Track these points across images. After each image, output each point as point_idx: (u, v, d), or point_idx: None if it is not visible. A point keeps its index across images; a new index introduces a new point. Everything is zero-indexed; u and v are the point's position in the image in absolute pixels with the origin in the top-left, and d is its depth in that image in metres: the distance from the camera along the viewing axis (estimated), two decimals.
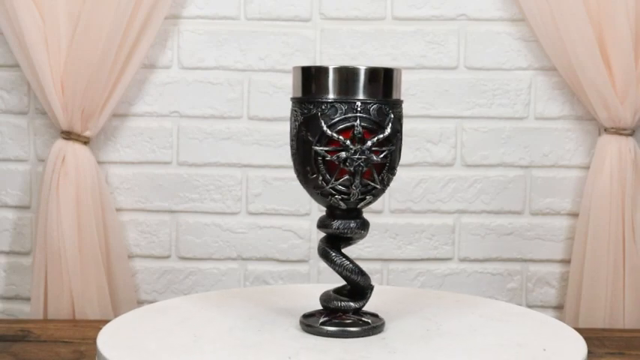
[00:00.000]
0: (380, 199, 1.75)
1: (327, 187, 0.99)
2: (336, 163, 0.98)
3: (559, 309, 1.79)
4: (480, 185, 1.77)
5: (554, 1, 1.65)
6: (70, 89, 1.66)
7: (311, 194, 1.03)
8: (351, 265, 1.03)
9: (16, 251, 1.78)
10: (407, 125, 1.75)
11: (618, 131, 1.70)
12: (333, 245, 1.04)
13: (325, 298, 1.04)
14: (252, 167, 1.76)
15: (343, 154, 0.97)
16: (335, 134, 0.98)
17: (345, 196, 1.00)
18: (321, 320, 1.03)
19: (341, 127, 0.98)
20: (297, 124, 1.00)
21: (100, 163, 1.74)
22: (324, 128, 0.98)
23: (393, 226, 1.78)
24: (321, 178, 0.99)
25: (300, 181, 1.03)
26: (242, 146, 1.76)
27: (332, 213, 1.03)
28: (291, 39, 1.75)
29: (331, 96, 0.99)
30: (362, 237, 1.05)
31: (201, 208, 1.77)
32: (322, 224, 1.03)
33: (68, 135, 1.68)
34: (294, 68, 1.02)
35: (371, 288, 1.04)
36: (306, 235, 1.77)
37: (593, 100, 1.68)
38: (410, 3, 1.74)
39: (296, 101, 1.01)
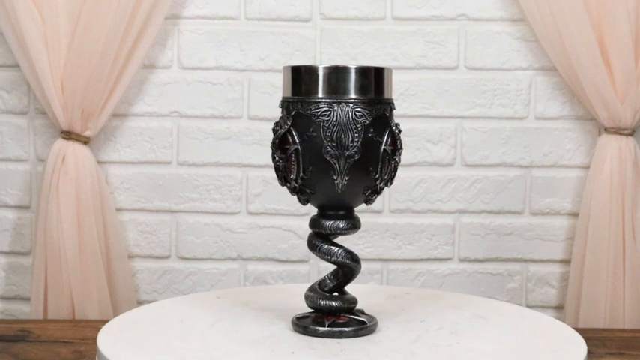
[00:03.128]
0: (380, 199, 1.76)
1: (379, 185, 1.01)
2: (389, 159, 1.01)
3: (559, 309, 1.79)
4: (480, 185, 1.77)
5: (554, 1, 1.65)
6: (70, 89, 1.66)
7: (343, 196, 1.01)
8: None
9: (16, 251, 1.78)
10: (407, 125, 1.76)
11: (618, 131, 1.69)
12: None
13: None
14: (252, 167, 1.77)
15: (400, 151, 1.02)
16: (398, 132, 1.02)
17: (378, 193, 1.03)
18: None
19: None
20: (364, 125, 0.99)
21: (100, 163, 1.74)
22: (393, 128, 1.01)
23: (393, 226, 1.78)
24: (380, 177, 1.01)
25: (342, 186, 1.00)
26: (242, 146, 1.76)
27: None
28: (291, 39, 1.75)
29: (387, 96, 1.02)
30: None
31: (201, 208, 1.77)
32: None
33: (68, 135, 1.68)
34: (357, 69, 1.00)
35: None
36: (306, 235, 1.76)
37: (593, 100, 1.68)
38: (410, 3, 1.74)
39: (366, 102, 1.00)
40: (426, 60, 1.75)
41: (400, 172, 1.76)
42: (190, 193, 1.77)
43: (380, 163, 1.00)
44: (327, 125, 0.98)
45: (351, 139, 0.98)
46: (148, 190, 1.77)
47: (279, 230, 1.78)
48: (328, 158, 0.98)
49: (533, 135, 1.76)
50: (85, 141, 1.69)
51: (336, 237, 1.04)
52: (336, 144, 0.98)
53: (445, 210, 1.77)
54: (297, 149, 0.99)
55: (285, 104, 1.02)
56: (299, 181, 1.00)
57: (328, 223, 1.02)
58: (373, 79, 1.01)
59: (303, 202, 1.03)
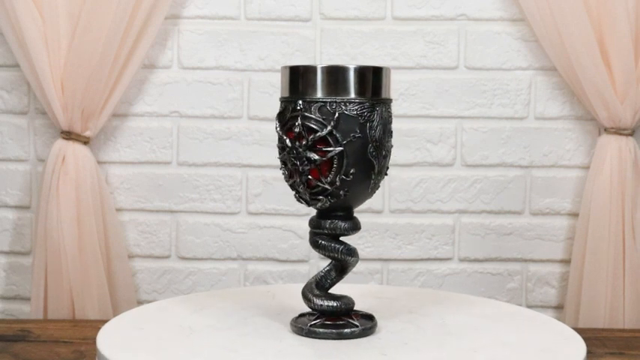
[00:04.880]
0: (380, 199, 1.76)
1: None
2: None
3: (559, 309, 1.79)
4: (480, 185, 1.77)
5: (554, 1, 1.65)
6: (70, 89, 1.66)
7: (369, 195, 1.04)
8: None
9: (16, 251, 1.78)
10: (407, 125, 1.76)
11: (618, 131, 1.70)
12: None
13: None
14: (252, 167, 1.77)
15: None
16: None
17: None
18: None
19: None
20: (390, 124, 1.03)
21: (100, 163, 1.74)
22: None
23: (393, 226, 1.78)
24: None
25: (374, 185, 1.04)
26: (242, 146, 1.76)
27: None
28: (291, 39, 1.75)
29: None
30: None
31: (201, 208, 1.77)
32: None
33: (68, 135, 1.68)
34: (386, 70, 1.03)
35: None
36: (306, 235, 1.77)
37: (593, 100, 1.68)
38: (410, 3, 1.74)
39: (390, 102, 1.03)
40: (426, 60, 1.75)
41: (400, 172, 1.76)
42: (190, 193, 1.77)
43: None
44: (372, 125, 0.99)
45: (387, 138, 1.01)
46: (148, 190, 1.77)
47: (279, 230, 1.78)
48: (371, 159, 0.99)
49: (533, 135, 1.76)
50: (85, 141, 1.69)
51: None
52: (378, 144, 0.99)
53: (445, 210, 1.77)
54: (342, 151, 0.98)
55: (318, 105, 0.98)
56: (337, 183, 0.99)
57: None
58: (390, 79, 1.03)
59: (326, 204, 1.00)
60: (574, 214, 1.77)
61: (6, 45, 1.72)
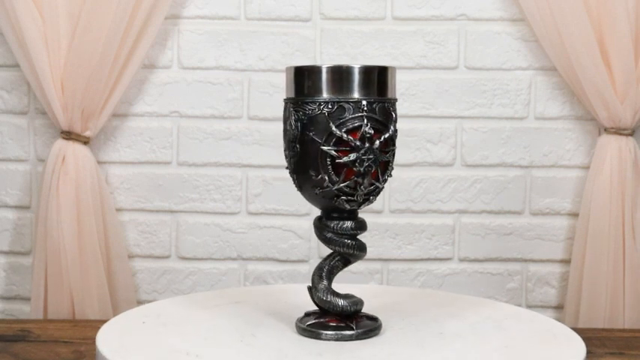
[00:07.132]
0: (380, 199, 1.76)
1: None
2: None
3: (559, 309, 1.79)
4: (480, 185, 1.77)
5: (554, 1, 1.65)
6: (70, 89, 1.66)
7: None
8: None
9: (16, 251, 1.78)
10: (407, 125, 1.76)
11: (618, 131, 1.70)
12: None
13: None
14: (252, 167, 1.77)
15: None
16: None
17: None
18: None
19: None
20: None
21: (100, 163, 1.74)
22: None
23: (393, 226, 1.78)
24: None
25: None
26: (242, 146, 1.76)
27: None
28: (291, 39, 1.75)
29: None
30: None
31: (201, 208, 1.77)
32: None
33: (68, 135, 1.68)
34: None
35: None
36: (306, 235, 1.77)
37: (593, 100, 1.68)
38: (410, 3, 1.74)
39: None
40: (426, 60, 1.75)
41: (400, 172, 1.77)
42: (190, 193, 1.77)
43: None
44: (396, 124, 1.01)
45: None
46: (148, 190, 1.77)
47: (279, 230, 1.78)
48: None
49: (533, 135, 1.76)
50: (85, 141, 1.69)
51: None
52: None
53: (445, 210, 1.77)
54: (395, 149, 1.01)
55: (379, 105, 0.99)
56: (386, 181, 1.01)
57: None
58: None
59: (371, 203, 1.02)
60: (574, 214, 1.77)
61: (6, 45, 1.72)
